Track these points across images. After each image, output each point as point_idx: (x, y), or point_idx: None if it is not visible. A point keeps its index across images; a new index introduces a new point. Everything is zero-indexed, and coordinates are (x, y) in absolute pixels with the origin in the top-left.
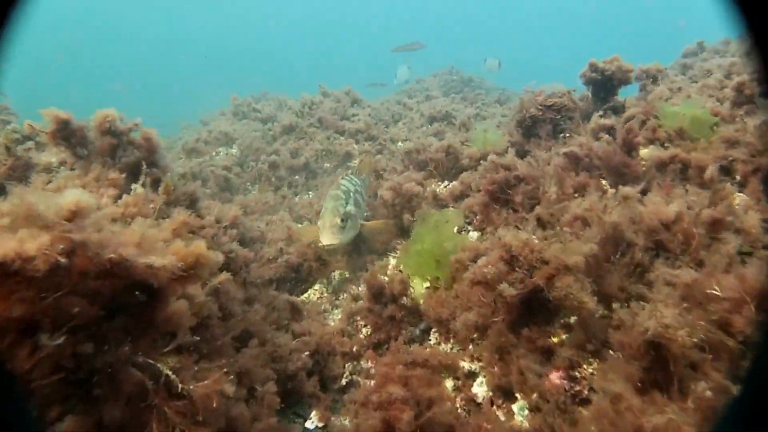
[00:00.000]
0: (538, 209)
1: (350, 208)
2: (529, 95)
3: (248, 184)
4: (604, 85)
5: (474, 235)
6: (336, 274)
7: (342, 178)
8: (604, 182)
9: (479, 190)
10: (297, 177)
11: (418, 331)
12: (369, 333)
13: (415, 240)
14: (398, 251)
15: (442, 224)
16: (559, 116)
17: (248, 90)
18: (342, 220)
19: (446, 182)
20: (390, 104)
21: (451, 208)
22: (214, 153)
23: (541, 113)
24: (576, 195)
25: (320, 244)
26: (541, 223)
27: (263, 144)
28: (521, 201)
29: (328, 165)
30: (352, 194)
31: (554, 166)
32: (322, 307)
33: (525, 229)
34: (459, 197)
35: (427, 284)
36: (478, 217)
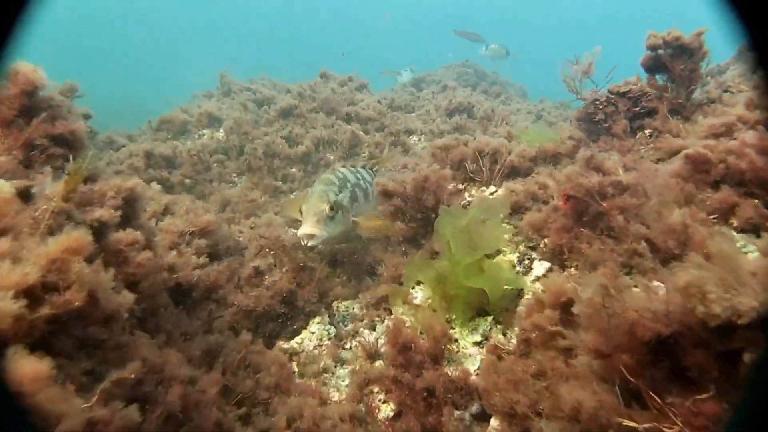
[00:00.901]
0: (654, 236)
1: (343, 197)
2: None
3: (234, 175)
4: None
5: (541, 267)
6: (340, 305)
7: (343, 167)
8: (757, 202)
9: (548, 202)
10: (294, 169)
11: (467, 418)
12: (391, 413)
13: (446, 255)
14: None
15: (480, 232)
16: (638, 108)
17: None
18: (331, 209)
19: (492, 187)
20: (399, 94)
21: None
22: (195, 136)
23: (609, 105)
24: (715, 220)
25: (300, 235)
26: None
27: (254, 128)
28: (622, 225)
29: (332, 157)
30: (350, 185)
31: (671, 174)
32: (322, 364)
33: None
34: (514, 210)
35: (477, 336)
36: (548, 241)
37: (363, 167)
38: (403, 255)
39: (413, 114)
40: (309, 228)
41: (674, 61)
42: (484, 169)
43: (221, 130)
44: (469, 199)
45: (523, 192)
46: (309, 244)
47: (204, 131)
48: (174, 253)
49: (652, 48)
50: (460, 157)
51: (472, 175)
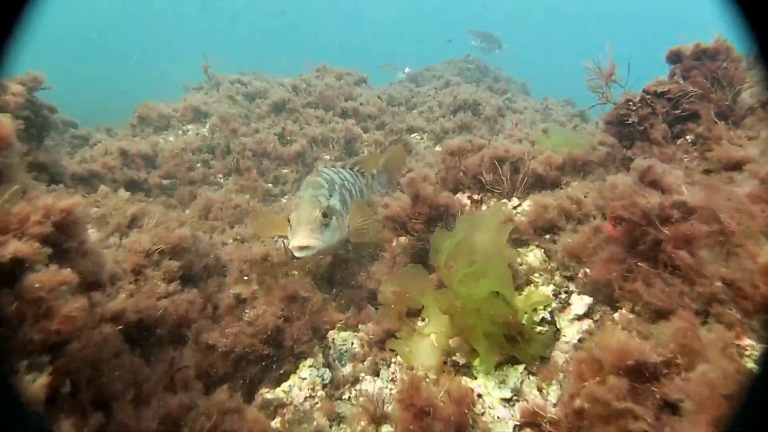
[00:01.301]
0: (737, 278)
1: (334, 202)
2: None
3: (220, 176)
4: None
5: (581, 303)
6: (336, 337)
7: (325, 167)
8: None
9: (585, 221)
10: (286, 170)
11: None
12: None
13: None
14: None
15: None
16: (678, 110)
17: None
18: (324, 215)
19: (514, 200)
20: (398, 89)
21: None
22: (180, 132)
23: (645, 106)
24: None
25: (292, 247)
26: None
27: (244, 124)
28: (692, 261)
29: (328, 157)
30: (337, 187)
31: (750, 198)
32: (314, 425)
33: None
34: (544, 229)
35: (506, 390)
36: (590, 271)
37: (343, 167)
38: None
39: (414, 111)
40: (302, 239)
41: (710, 59)
42: (504, 178)
43: (207, 126)
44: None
45: (556, 207)
46: (303, 256)
47: (189, 127)
48: (135, 281)
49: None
50: (476, 164)
51: (488, 185)
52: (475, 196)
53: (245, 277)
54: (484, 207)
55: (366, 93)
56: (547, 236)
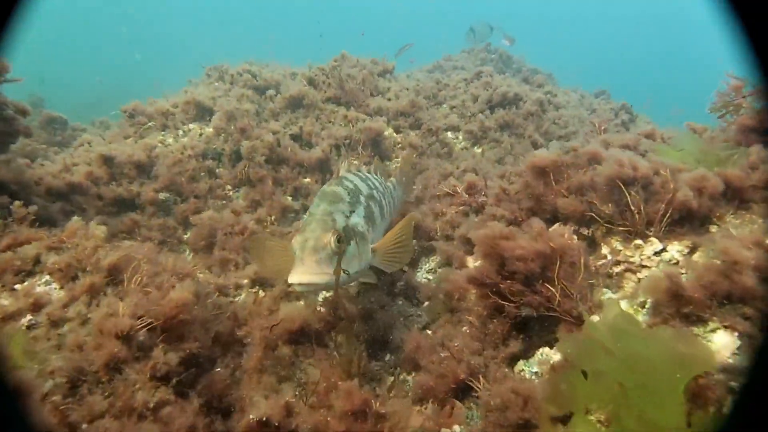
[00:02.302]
0: None
1: (357, 220)
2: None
3: (229, 188)
4: None
5: None
6: None
7: (349, 172)
8: None
9: None
10: (308, 179)
11: None
12: None
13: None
14: None
15: None
16: None
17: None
18: (339, 241)
19: (655, 242)
20: (422, 82)
21: None
22: (180, 132)
23: None
24: None
25: (291, 283)
26: None
27: (253, 121)
28: None
29: (357, 162)
30: (363, 199)
31: None
32: None
33: None
34: (728, 297)
35: None
36: None
37: (378, 171)
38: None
39: (444, 106)
40: (304, 275)
41: None
42: (634, 209)
43: (212, 125)
44: (610, 259)
45: (750, 263)
46: (304, 291)
47: (191, 126)
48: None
49: None
50: (582, 187)
51: (606, 217)
52: (585, 231)
53: (276, 364)
54: (604, 249)
55: (395, 86)
56: (735, 309)
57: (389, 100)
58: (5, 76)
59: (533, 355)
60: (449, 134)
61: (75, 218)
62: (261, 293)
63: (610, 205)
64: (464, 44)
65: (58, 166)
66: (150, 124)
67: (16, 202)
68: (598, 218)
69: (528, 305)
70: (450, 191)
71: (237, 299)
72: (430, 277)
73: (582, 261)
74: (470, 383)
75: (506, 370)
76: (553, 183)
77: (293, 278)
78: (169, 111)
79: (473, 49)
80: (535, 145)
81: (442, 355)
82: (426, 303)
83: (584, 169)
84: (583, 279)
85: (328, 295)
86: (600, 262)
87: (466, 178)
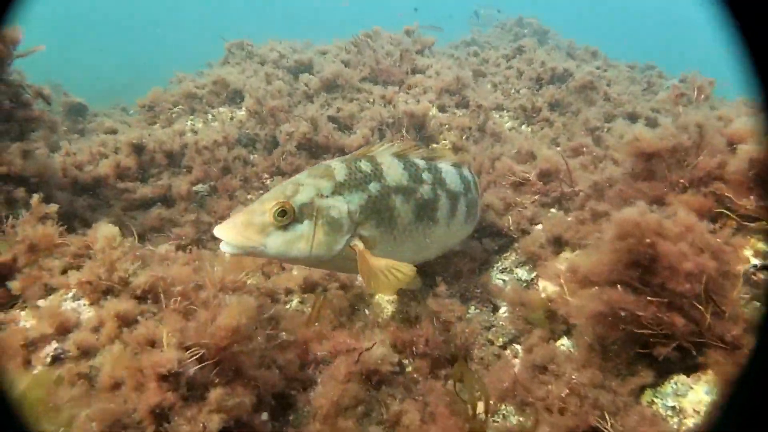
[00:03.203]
0: None
1: (337, 205)
2: None
3: (266, 176)
4: None
5: None
6: None
7: (397, 154)
8: None
9: None
10: None
11: None
12: None
13: None
14: None
15: None
16: None
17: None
18: (282, 214)
19: None
20: (457, 55)
21: None
22: (209, 116)
23: None
24: None
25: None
26: None
27: (286, 104)
28: None
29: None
30: (375, 189)
31: None
32: None
33: None
34: None
35: None
36: None
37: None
38: None
39: (486, 84)
40: (224, 230)
41: None
42: None
43: (243, 108)
44: (757, 263)
45: None
46: (224, 251)
47: (221, 109)
48: None
49: None
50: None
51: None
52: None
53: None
54: (747, 251)
55: (435, 62)
56: None
57: (430, 77)
58: (18, 49)
59: (665, 384)
60: (494, 113)
61: (103, 223)
62: (318, 304)
63: (751, 198)
64: (468, 27)
65: (84, 156)
66: (176, 109)
67: (35, 197)
68: (729, 214)
69: (671, 336)
70: (519, 179)
71: (288, 307)
72: (506, 278)
73: (736, 269)
74: (600, 426)
75: (638, 406)
76: (667, 171)
77: (215, 230)
78: (196, 93)
79: (505, 23)
80: (591, 129)
81: (550, 387)
82: (504, 309)
83: (718, 152)
84: (738, 292)
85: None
86: (743, 267)
87: (540, 163)
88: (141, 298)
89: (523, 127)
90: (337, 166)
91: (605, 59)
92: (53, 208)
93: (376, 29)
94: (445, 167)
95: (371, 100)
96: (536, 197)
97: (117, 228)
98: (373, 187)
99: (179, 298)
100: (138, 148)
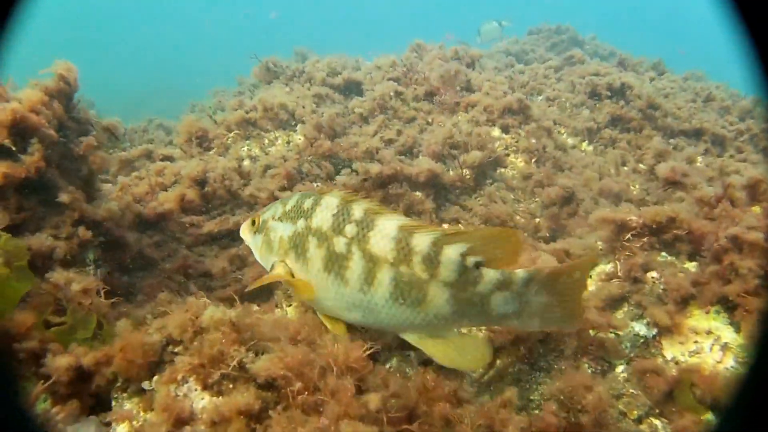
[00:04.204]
0: None
1: (280, 228)
2: None
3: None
4: None
5: None
6: None
7: (329, 204)
8: None
9: None
10: (419, 193)
11: None
12: None
13: None
14: None
15: None
16: None
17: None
18: (253, 223)
19: None
20: (499, 67)
21: None
22: (266, 141)
23: None
24: None
25: None
26: None
27: (345, 128)
28: None
29: (468, 172)
30: (300, 226)
31: None
32: None
33: None
34: None
35: None
36: None
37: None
38: None
39: (539, 97)
40: (244, 224)
41: None
42: None
43: (298, 132)
44: None
45: None
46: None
47: (276, 134)
48: None
49: None
50: None
51: None
52: None
53: None
54: None
55: (487, 78)
56: None
57: (487, 94)
58: (75, 83)
59: None
60: (563, 132)
61: (198, 300)
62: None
63: None
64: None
65: (142, 188)
66: (231, 135)
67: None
68: None
69: None
70: (619, 220)
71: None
72: (620, 333)
73: None
74: None
75: None
76: None
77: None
78: (249, 118)
79: (540, 30)
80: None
81: None
82: (622, 369)
83: None
84: None
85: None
86: None
87: (650, 214)
88: (263, 387)
89: (584, 144)
90: (293, 197)
91: (656, 65)
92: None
93: (419, 43)
94: (385, 229)
95: (429, 120)
96: (644, 240)
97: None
98: (300, 224)
99: (305, 392)
100: (201, 182)
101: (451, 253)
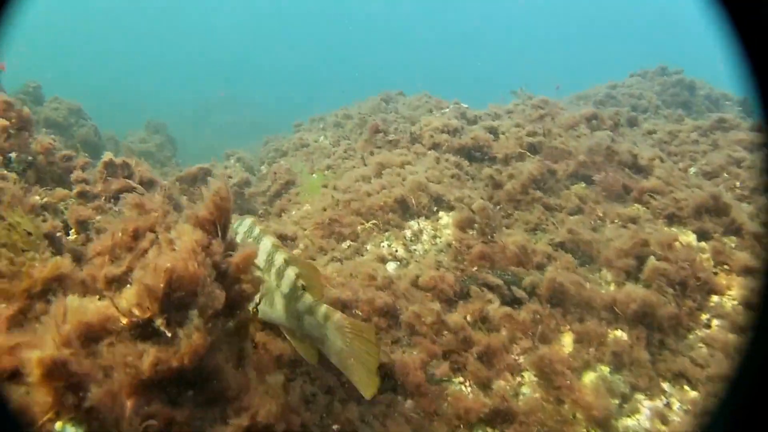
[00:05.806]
0: None
1: (243, 231)
2: None
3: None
4: None
5: None
6: None
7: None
8: None
9: None
10: (620, 332)
11: None
12: None
13: None
14: None
15: None
16: None
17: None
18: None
19: None
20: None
21: None
22: (407, 234)
23: None
24: None
25: None
26: None
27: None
28: None
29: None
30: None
31: None
32: None
33: None
34: None
35: None
36: None
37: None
38: None
39: (692, 170)
40: None
41: None
42: None
43: (450, 227)
44: None
45: None
46: None
47: (421, 223)
48: None
49: None
50: None
51: None
52: None
53: None
54: None
55: (650, 156)
56: None
57: (668, 184)
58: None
59: None
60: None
61: None
62: None
63: None
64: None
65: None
66: (367, 226)
67: None
68: None
69: None
70: None
71: None
72: None
73: None
74: None
75: None
76: None
77: None
78: (380, 207)
79: (647, 72)
80: None
81: None
82: None
83: None
84: None
85: None
86: None
87: None
88: None
89: None
90: (252, 221)
91: None
92: None
93: (545, 99)
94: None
95: (600, 214)
96: None
97: None
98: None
99: None
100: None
101: (290, 271)
